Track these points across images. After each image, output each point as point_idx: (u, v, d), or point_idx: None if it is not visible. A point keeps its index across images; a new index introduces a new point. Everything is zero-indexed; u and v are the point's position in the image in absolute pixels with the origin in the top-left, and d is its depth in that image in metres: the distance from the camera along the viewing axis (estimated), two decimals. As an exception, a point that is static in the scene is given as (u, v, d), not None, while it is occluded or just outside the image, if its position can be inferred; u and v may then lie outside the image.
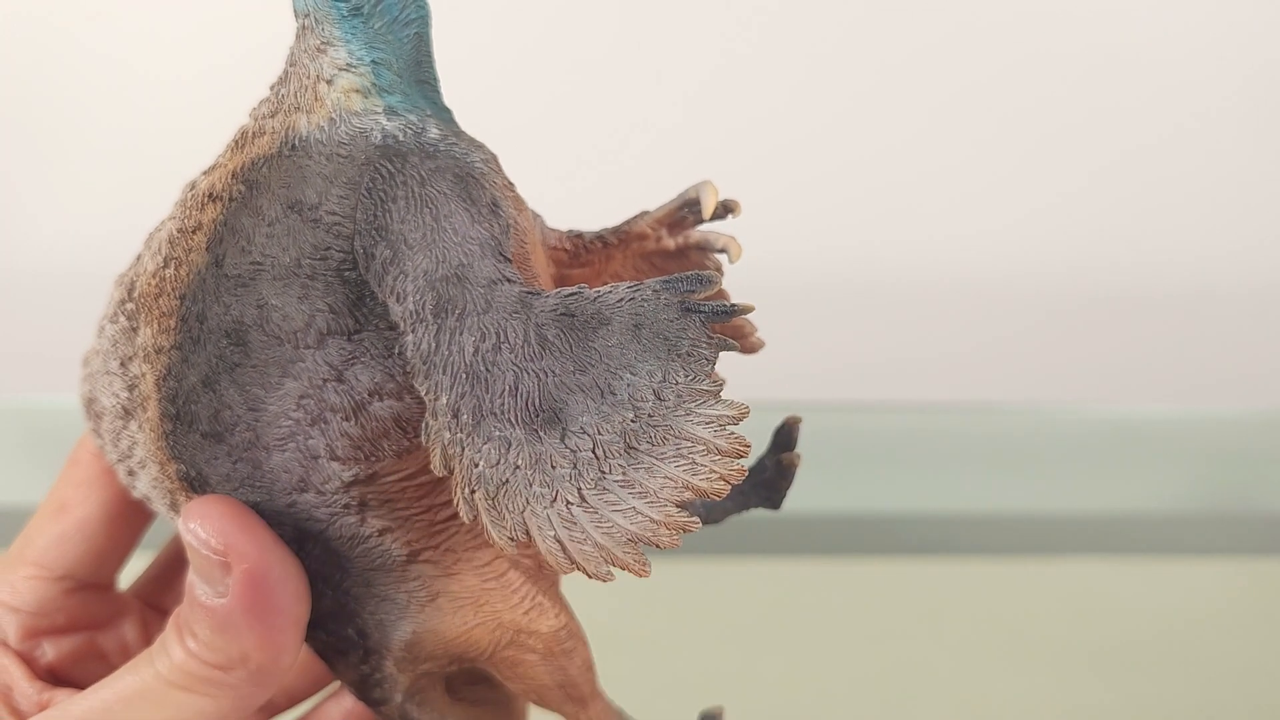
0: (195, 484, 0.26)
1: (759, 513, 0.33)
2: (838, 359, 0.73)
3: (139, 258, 0.27)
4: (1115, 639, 0.59)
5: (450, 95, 0.28)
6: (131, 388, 0.27)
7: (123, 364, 0.27)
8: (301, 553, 0.26)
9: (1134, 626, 0.60)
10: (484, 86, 0.67)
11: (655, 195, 0.32)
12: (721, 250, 0.31)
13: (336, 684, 0.33)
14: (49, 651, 0.30)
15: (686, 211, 0.31)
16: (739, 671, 0.56)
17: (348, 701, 0.32)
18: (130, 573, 0.33)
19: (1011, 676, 0.57)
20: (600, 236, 0.31)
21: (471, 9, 0.67)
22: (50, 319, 0.30)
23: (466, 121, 0.28)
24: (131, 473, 0.28)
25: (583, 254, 0.31)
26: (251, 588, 0.25)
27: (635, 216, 0.31)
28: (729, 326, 0.31)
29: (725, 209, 0.30)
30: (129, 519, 0.31)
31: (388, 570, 0.27)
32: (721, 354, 0.24)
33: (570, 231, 0.31)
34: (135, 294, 0.27)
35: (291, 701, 0.33)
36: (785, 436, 0.32)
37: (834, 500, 0.67)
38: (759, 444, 0.32)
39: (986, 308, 0.73)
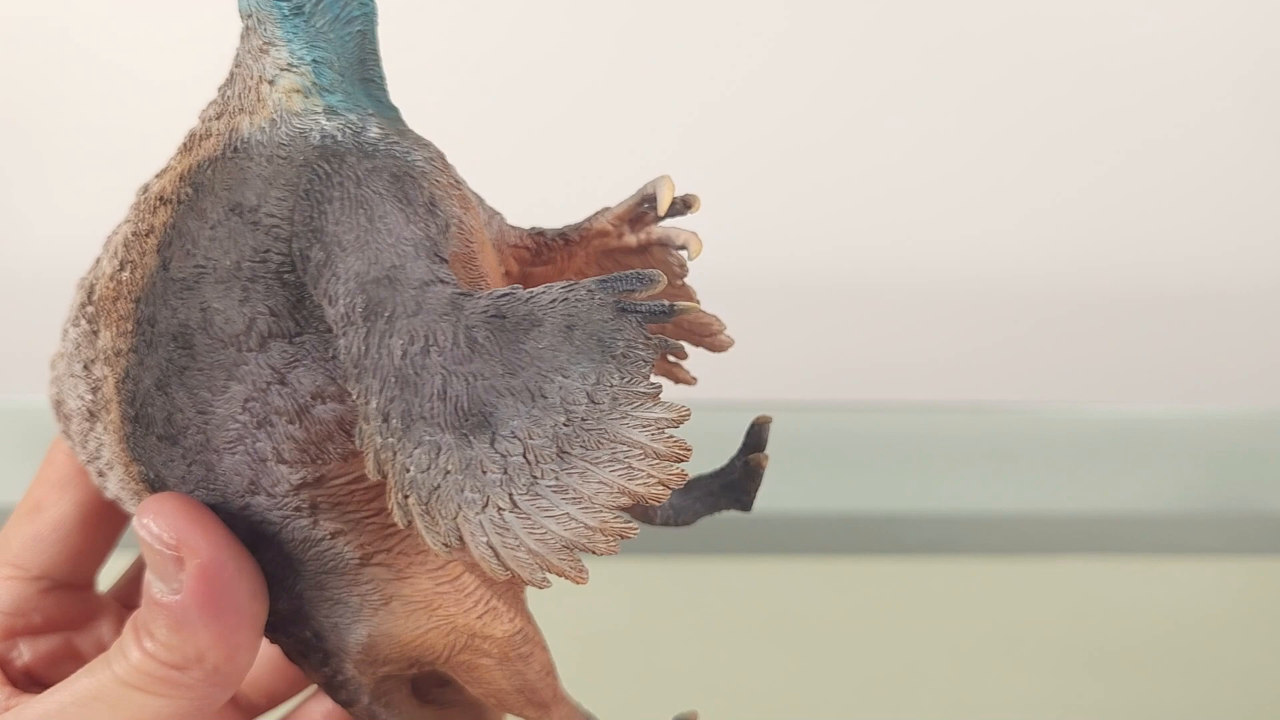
0: (155, 486, 0.26)
1: (758, 513, 0.33)
2: (837, 358, 0.72)
3: (98, 261, 0.28)
4: (1115, 639, 0.59)
5: (440, 93, 0.28)
6: (95, 390, 0.27)
7: (86, 367, 0.27)
8: (257, 555, 0.26)
9: (1134, 626, 0.60)
10: (468, 86, 0.67)
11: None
12: (682, 247, 0.30)
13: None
14: (25, 653, 0.30)
15: (646, 207, 0.30)
16: (738, 672, 0.56)
17: (328, 702, 0.32)
18: (111, 573, 0.32)
19: (1011, 676, 0.57)
20: (562, 234, 0.30)
21: (467, 12, 0.67)
22: (48, 320, 0.30)
23: (462, 121, 0.28)
24: (101, 474, 0.28)
25: (545, 252, 0.30)
26: (205, 582, 0.25)
27: (597, 213, 0.31)
28: (697, 324, 0.30)
29: (684, 204, 0.30)
30: (105, 519, 0.30)
31: (340, 573, 0.26)
32: (671, 354, 0.24)
33: (532, 229, 0.30)
34: (94, 297, 0.27)
35: (273, 703, 0.33)
36: (755, 437, 0.32)
37: (833, 500, 0.67)
38: (766, 446, 0.32)
39: (986, 308, 0.73)
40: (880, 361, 0.73)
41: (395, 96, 0.28)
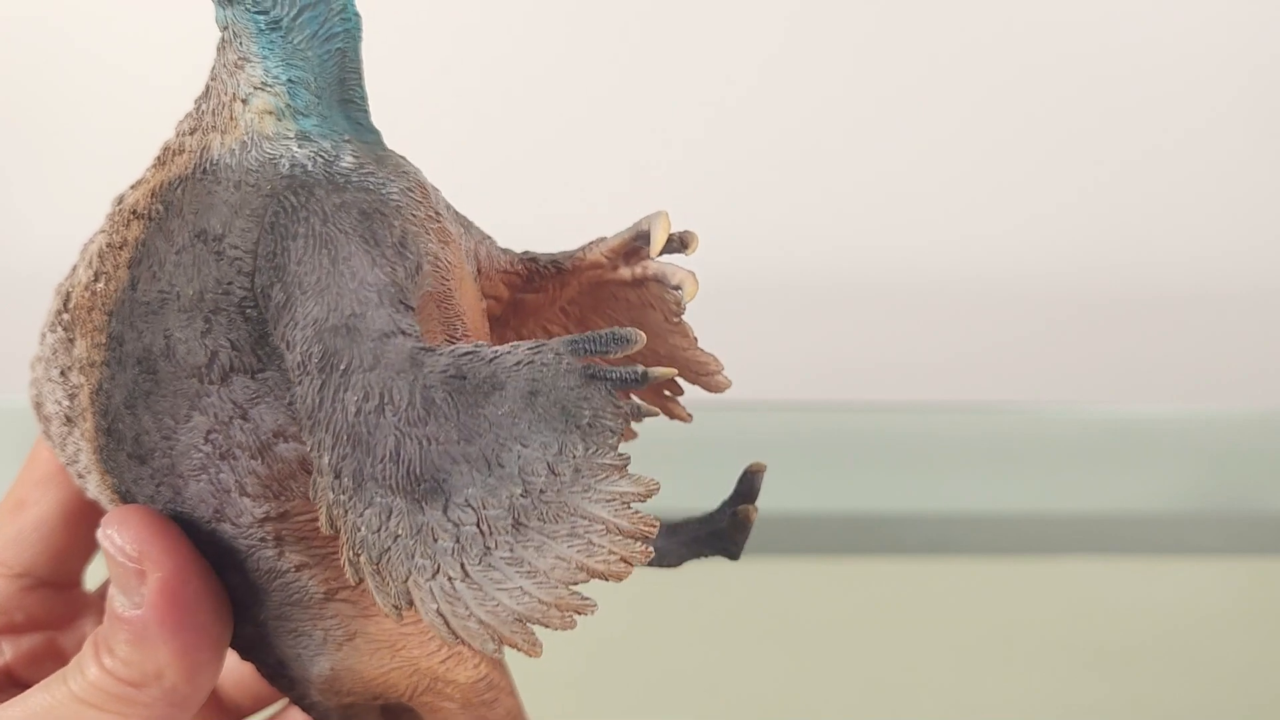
0: (126, 500, 0.26)
1: (759, 512, 0.33)
2: (837, 359, 0.72)
3: (74, 268, 0.27)
4: (1115, 639, 0.59)
5: (437, 98, 0.27)
6: (72, 397, 0.26)
7: (63, 373, 0.26)
8: (223, 579, 0.26)
9: (1134, 626, 0.60)
10: (467, 89, 0.67)
11: (646, 196, 0.31)
12: (677, 287, 0.29)
13: None
14: (7, 651, 0.30)
15: (641, 242, 0.29)
16: (738, 672, 0.56)
17: None
18: (100, 571, 0.32)
19: (1011, 676, 0.57)
20: (555, 261, 0.29)
21: (464, 16, 0.67)
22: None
23: (461, 124, 0.27)
24: (80, 476, 0.28)
25: (536, 279, 0.29)
26: (166, 597, 0.24)
27: (590, 243, 0.29)
28: (694, 362, 0.29)
29: (681, 242, 0.28)
30: (88, 518, 0.30)
31: (305, 606, 0.26)
32: (642, 420, 0.23)
33: (524, 254, 0.29)
34: (70, 305, 0.26)
35: (258, 705, 0.33)
36: (746, 486, 0.31)
37: (834, 500, 0.67)
38: (765, 446, 0.32)
39: (987, 308, 0.73)
40: (880, 361, 0.73)
41: (389, 111, 0.27)
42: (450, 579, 0.22)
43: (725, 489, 0.32)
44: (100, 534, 0.25)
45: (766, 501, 0.33)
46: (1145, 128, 0.71)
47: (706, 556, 0.31)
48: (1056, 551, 0.66)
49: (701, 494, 0.33)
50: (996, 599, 0.62)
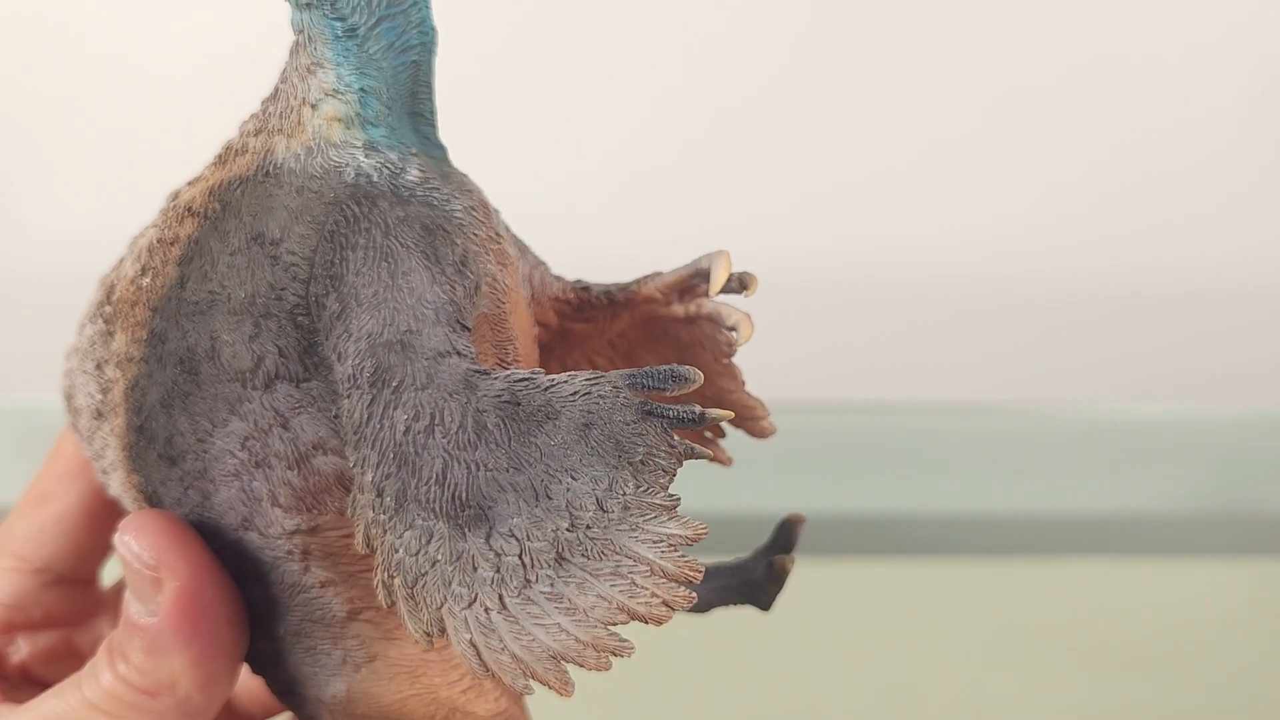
0: (152, 501, 0.26)
1: (758, 514, 0.32)
2: (838, 358, 0.72)
3: (121, 261, 0.27)
4: (1115, 639, 0.59)
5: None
6: (105, 391, 0.26)
7: (98, 366, 0.26)
8: (243, 591, 0.25)
9: (1134, 626, 0.60)
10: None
11: (647, 196, 0.30)
12: (732, 328, 0.28)
13: None
14: (23, 647, 0.30)
15: (698, 280, 0.28)
16: (738, 671, 0.56)
17: None
18: (114, 569, 0.32)
19: (1011, 676, 0.57)
20: (607, 293, 0.29)
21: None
22: (50, 319, 0.30)
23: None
24: (105, 472, 0.27)
25: (587, 309, 0.29)
26: (182, 606, 0.24)
27: (645, 277, 0.29)
28: (741, 406, 0.29)
29: (740, 283, 0.28)
30: (111, 514, 0.30)
31: (326, 624, 0.26)
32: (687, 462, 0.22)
33: (577, 283, 0.29)
34: (114, 298, 0.26)
35: (267, 713, 0.33)
36: (785, 536, 0.30)
37: (834, 500, 0.67)
38: (765, 446, 0.31)
39: (987, 307, 0.73)
40: (880, 361, 0.73)
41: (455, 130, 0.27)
42: (487, 610, 0.22)
43: (724, 487, 0.32)
44: (117, 539, 0.25)
45: (766, 502, 0.33)
46: (1147, 125, 0.71)
47: (737, 605, 0.31)
48: (1057, 552, 0.66)
49: (701, 493, 0.33)
50: (996, 599, 0.62)
